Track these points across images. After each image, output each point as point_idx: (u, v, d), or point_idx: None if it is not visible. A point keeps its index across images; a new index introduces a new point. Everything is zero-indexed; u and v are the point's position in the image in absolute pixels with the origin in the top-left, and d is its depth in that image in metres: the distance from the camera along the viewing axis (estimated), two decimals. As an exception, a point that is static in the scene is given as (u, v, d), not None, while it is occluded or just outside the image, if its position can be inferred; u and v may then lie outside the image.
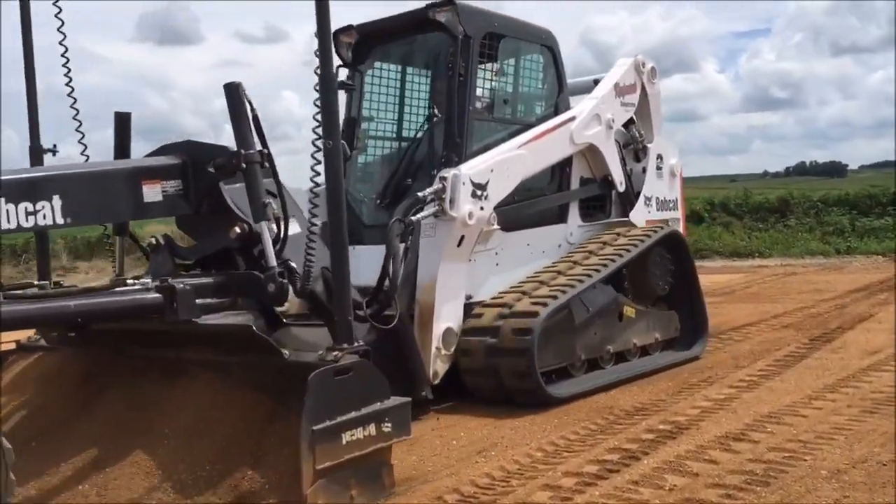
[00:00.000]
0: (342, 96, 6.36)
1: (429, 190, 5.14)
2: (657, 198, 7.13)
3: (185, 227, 4.65)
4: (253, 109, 4.21)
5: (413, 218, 5.05)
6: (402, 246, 5.24)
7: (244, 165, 4.16)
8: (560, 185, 6.41)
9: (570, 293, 5.36)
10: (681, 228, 7.40)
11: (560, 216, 6.44)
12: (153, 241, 4.55)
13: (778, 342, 7.37)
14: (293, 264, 4.33)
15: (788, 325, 8.43)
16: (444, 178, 5.17)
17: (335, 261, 3.60)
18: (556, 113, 6.35)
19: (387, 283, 4.84)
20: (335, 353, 3.47)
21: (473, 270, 5.53)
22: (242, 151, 4.17)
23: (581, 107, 6.43)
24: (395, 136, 6.37)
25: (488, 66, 6.02)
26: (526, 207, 6.03)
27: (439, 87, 6.04)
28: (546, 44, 6.36)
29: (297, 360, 3.56)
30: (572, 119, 6.24)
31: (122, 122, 4.82)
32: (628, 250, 5.99)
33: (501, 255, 5.81)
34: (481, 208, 5.32)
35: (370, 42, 6.19)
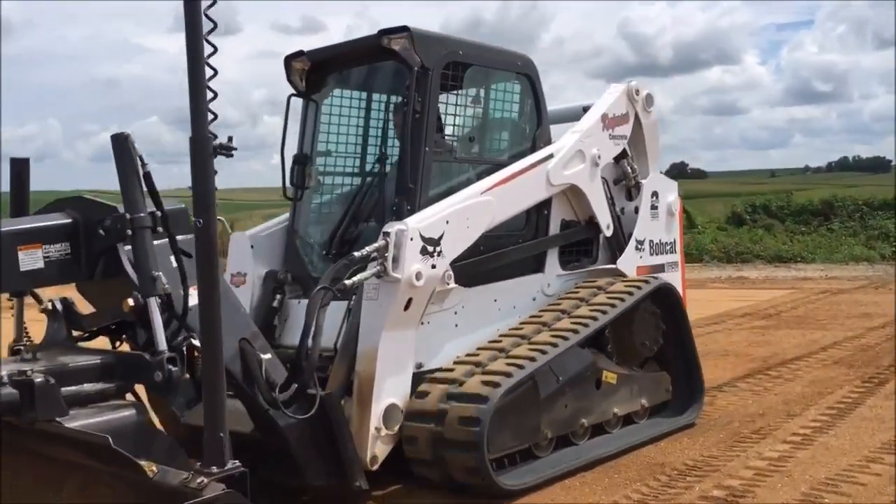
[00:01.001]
0: (293, 123, 5.79)
1: (368, 248, 4.53)
2: (651, 241, 6.43)
3: (84, 292, 4.10)
4: (144, 165, 3.64)
5: (347, 282, 4.43)
6: (344, 305, 4.68)
7: (130, 231, 3.61)
8: (536, 231, 5.74)
9: (530, 367, 4.70)
10: (679, 273, 6.70)
11: (536, 265, 5.78)
12: (49, 305, 4.01)
13: (829, 383, 7.30)
14: (196, 342, 3.75)
15: (839, 360, 8.32)
16: (387, 234, 4.54)
17: (206, 364, 2.99)
18: (534, 149, 5.70)
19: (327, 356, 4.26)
20: (200, 479, 2.86)
21: (426, 335, 4.90)
22: (128, 215, 3.62)
23: (561, 142, 5.76)
24: (353, 173, 5.73)
25: (452, 98, 5.38)
26: (493, 259, 5.37)
27: (395, 122, 5.41)
28: (522, 71, 5.70)
29: (161, 481, 2.95)
30: (549, 157, 5.57)
31: (19, 171, 4.25)
32: (605, 311, 5.30)
33: (462, 314, 5.16)
34: (433, 266, 4.69)
35: (325, 69, 5.59)
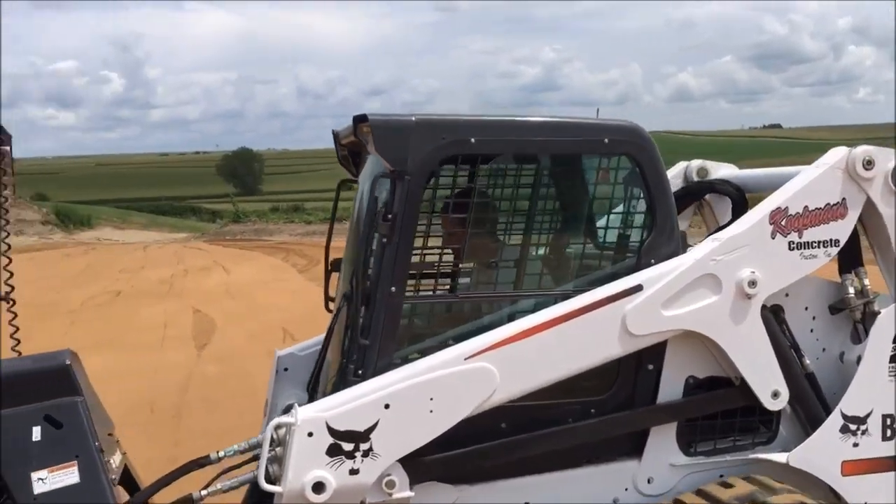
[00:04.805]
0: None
1: (239, 445, 3.43)
2: (890, 416, 3.91)
3: None
4: None
5: (196, 495, 3.41)
6: None
7: None
8: (632, 397, 3.85)
9: None
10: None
11: (627, 447, 3.90)
12: None
13: None
14: None
15: None
16: (277, 428, 3.38)
17: None
18: (640, 267, 3.79)
19: None
20: None
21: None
22: None
23: (676, 261, 3.74)
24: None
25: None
26: (525, 445, 3.71)
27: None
28: (620, 151, 3.81)
29: None
30: (636, 290, 3.64)
31: None
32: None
33: (456, 525, 3.69)
34: (353, 471, 3.38)
35: (357, 150, 4.45)
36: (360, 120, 3.65)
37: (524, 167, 3.93)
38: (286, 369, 4.72)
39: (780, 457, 3.89)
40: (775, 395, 3.85)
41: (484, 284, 3.93)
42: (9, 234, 4.77)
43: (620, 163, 3.85)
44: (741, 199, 4.64)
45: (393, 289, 3.58)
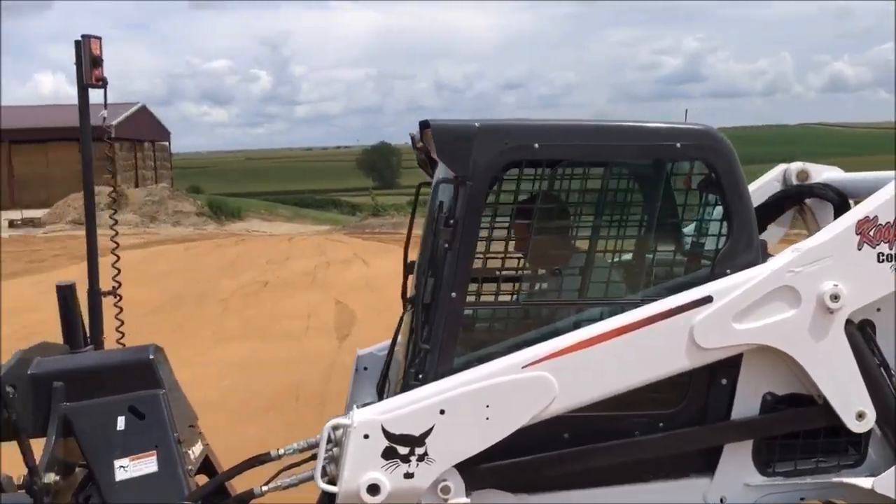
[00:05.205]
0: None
1: (297, 444, 3.52)
2: None
3: None
4: None
5: (263, 488, 3.52)
6: None
7: None
8: (704, 412, 3.71)
9: None
10: None
11: (699, 463, 3.76)
12: None
13: None
14: None
15: None
16: (334, 429, 3.47)
17: None
18: (714, 276, 3.65)
19: None
20: None
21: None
22: None
23: (747, 274, 3.57)
24: None
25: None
26: (586, 457, 3.65)
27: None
28: (696, 156, 3.68)
29: None
30: (703, 302, 3.51)
31: (65, 297, 4.50)
32: None
33: (511, 535, 3.67)
34: (408, 475, 3.42)
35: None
36: (424, 126, 3.68)
37: (593, 173, 3.85)
38: (366, 368, 4.82)
39: (865, 482, 3.65)
40: (860, 416, 3.61)
41: (548, 292, 3.88)
42: (117, 232, 5.10)
43: (695, 168, 3.72)
44: (843, 205, 4.37)
45: (454, 294, 3.59)
